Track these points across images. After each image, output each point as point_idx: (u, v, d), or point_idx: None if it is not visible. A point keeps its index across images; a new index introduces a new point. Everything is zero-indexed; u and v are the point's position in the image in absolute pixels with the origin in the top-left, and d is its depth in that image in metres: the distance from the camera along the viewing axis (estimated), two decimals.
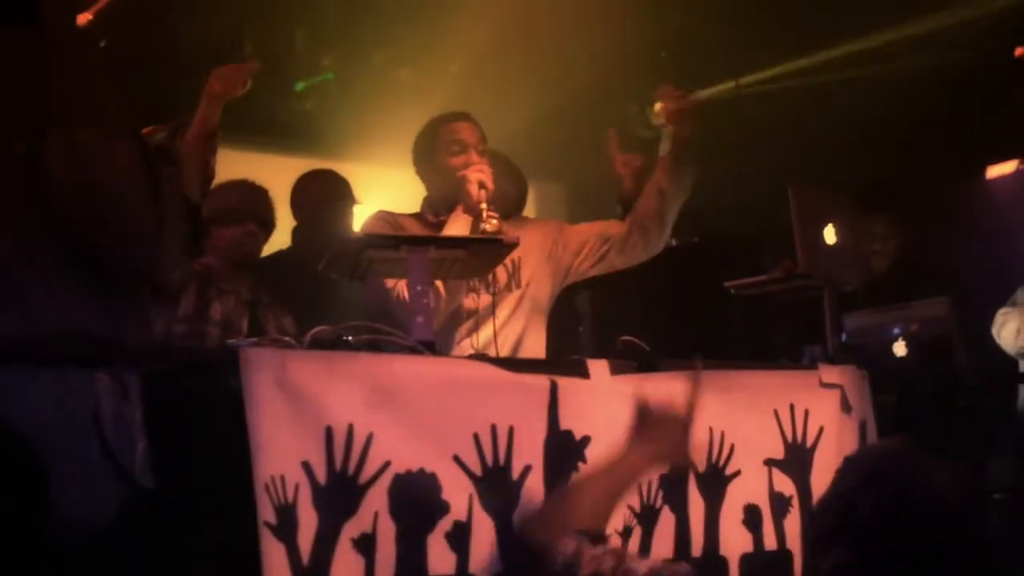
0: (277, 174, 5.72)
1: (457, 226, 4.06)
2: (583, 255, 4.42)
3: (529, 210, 7.00)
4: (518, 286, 4.28)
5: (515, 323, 4.24)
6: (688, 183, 4.30)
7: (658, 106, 4.20)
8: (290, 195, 5.33)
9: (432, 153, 4.29)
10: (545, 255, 4.39)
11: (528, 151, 6.04)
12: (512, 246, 3.76)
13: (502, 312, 4.21)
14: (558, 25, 6.98)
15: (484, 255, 3.76)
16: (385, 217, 4.26)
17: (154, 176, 2.70)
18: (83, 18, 3.60)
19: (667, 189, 4.28)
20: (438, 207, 4.29)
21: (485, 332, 4.15)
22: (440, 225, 4.18)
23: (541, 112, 7.62)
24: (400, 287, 3.82)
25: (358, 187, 5.51)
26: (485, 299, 4.20)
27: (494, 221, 3.98)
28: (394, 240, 3.53)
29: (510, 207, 4.98)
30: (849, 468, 2.59)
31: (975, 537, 2.46)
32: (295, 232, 5.34)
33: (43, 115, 2.58)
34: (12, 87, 2.62)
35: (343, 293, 4.52)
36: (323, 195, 5.26)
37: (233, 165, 4.58)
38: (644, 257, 4.41)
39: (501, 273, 4.23)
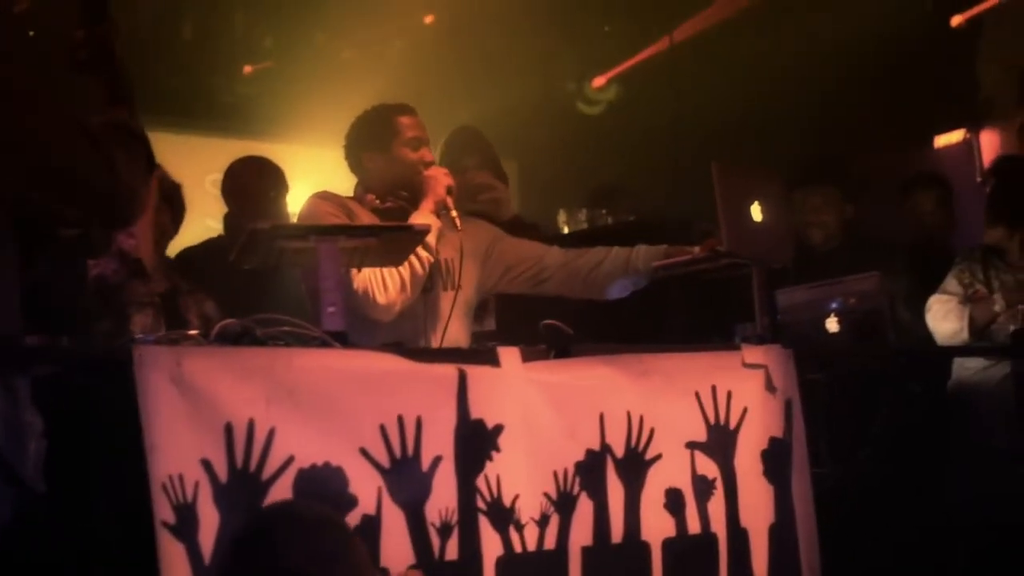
0: (218, 157, 5.69)
1: (424, 221, 3.97)
2: (514, 274, 4.36)
3: None
4: (454, 287, 4.21)
5: (452, 325, 4.16)
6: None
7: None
8: (221, 183, 5.27)
9: (386, 142, 4.20)
10: (480, 260, 4.31)
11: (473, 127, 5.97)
12: (423, 232, 3.71)
13: (439, 314, 4.17)
14: (499, 1, 6.94)
15: (396, 243, 3.69)
16: (330, 197, 4.16)
17: (89, 131, 2.66)
18: (19, 6, 3.56)
19: (622, 276, 4.29)
20: (382, 193, 4.22)
21: (424, 333, 4.12)
22: (386, 212, 4.14)
23: (485, 88, 7.57)
24: (344, 273, 3.76)
25: (299, 168, 5.46)
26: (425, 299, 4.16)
27: (457, 221, 4.03)
28: (303, 230, 3.49)
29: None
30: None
31: None
32: (226, 219, 5.27)
33: None
34: None
35: (279, 280, 4.46)
36: (255, 183, 5.20)
37: (182, 148, 4.50)
38: (580, 296, 4.36)
39: (436, 273, 4.16)
